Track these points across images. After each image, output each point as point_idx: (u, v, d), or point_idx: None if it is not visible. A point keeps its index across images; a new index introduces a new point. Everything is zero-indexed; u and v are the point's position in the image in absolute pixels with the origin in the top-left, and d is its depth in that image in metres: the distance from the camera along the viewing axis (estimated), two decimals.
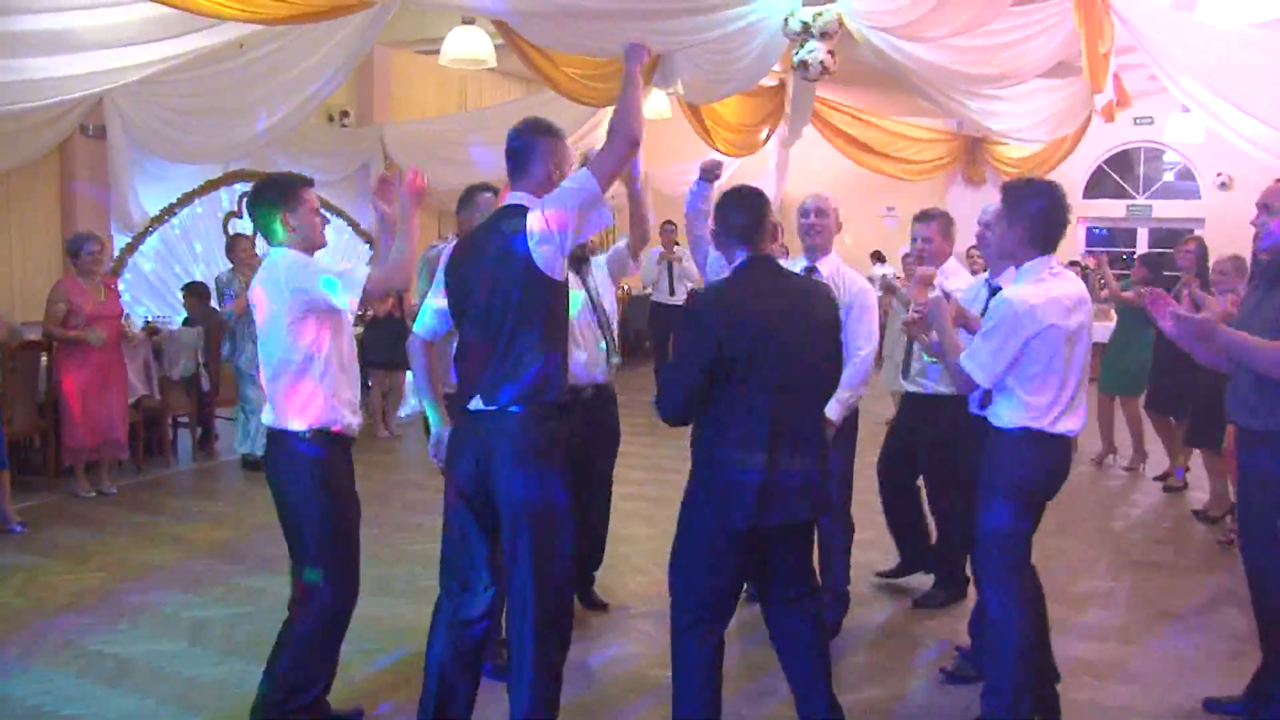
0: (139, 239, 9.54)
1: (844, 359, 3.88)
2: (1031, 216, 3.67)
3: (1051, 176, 11.59)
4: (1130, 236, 16.11)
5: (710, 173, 4.65)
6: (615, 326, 5.05)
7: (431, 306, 3.64)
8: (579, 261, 4.97)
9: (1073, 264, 8.86)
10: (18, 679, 4.33)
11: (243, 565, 5.74)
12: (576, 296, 4.85)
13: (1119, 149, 15.47)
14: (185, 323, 8.80)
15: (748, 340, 3.32)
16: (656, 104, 12.21)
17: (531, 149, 3.44)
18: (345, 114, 11.81)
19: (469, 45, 9.13)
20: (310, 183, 3.83)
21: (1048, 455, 3.69)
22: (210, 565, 5.75)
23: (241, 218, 10.07)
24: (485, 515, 3.40)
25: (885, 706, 4.21)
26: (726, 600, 3.54)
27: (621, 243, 5.12)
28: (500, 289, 3.33)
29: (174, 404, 8.30)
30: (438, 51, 9.44)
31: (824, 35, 8.20)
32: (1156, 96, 11.89)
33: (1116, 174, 15.71)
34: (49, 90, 7.32)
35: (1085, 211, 15.51)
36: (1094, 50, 7.94)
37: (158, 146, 9.10)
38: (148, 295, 9.61)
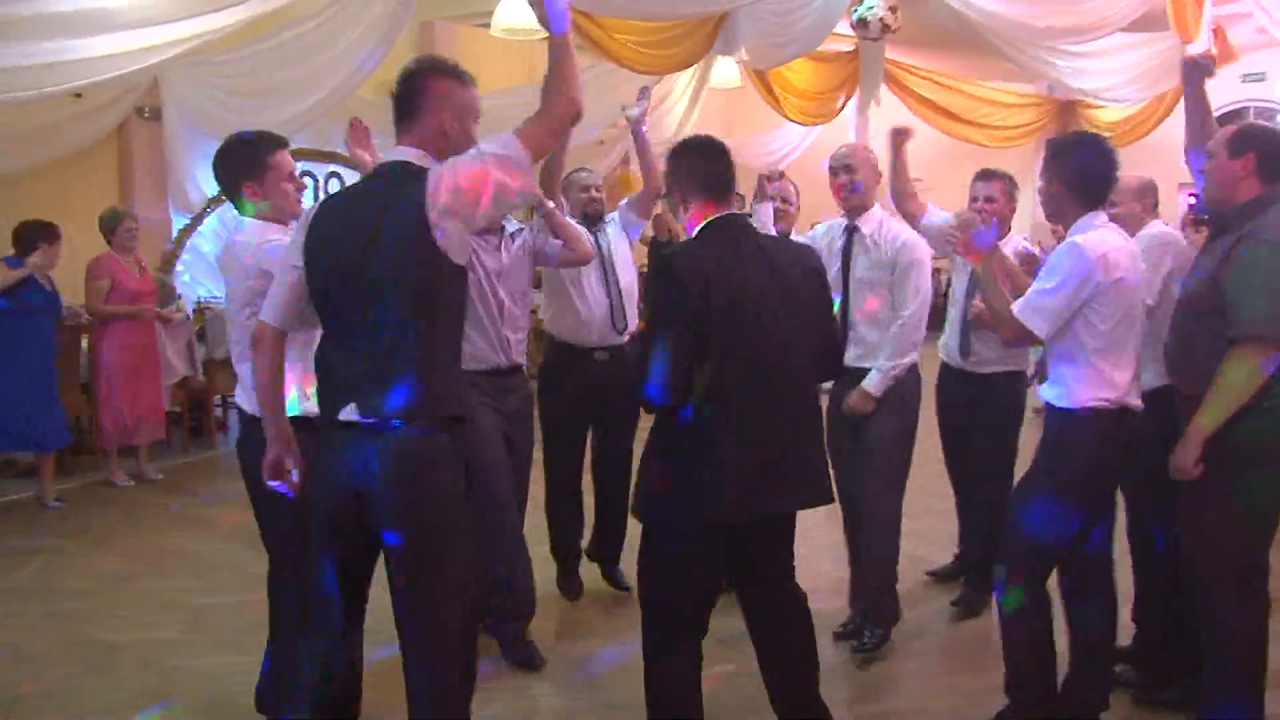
0: (197, 220, 9.53)
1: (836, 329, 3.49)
2: (1075, 171, 3.39)
3: (1150, 139, 10.95)
4: None
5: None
6: (635, 290, 4.79)
7: (286, 284, 2.87)
8: (592, 219, 4.71)
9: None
10: (5, 664, 4.24)
11: (256, 550, 5.57)
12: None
13: (1228, 108, 14.52)
14: None
15: (730, 307, 2.95)
16: (725, 72, 11.89)
17: (422, 92, 2.79)
18: None
19: (521, 15, 8.88)
20: (282, 143, 3.40)
21: (1118, 434, 3.33)
22: (225, 550, 5.63)
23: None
24: (354, 551, 2.79)
25: None
26: (704, 608, 3.18)
27: (624, 201, 4.87)
28: (384, 271, 2.65)
29: (220, 384, 8.23)
30: None
31: None
32: (1269, 50, 11.13)
33: None
34: (92, 69, 7.30)
35: (1189, 177, 14.61)
36: None
37: (213, 127, 9.06)
38: (207, 276, 9.58)
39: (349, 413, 2.69)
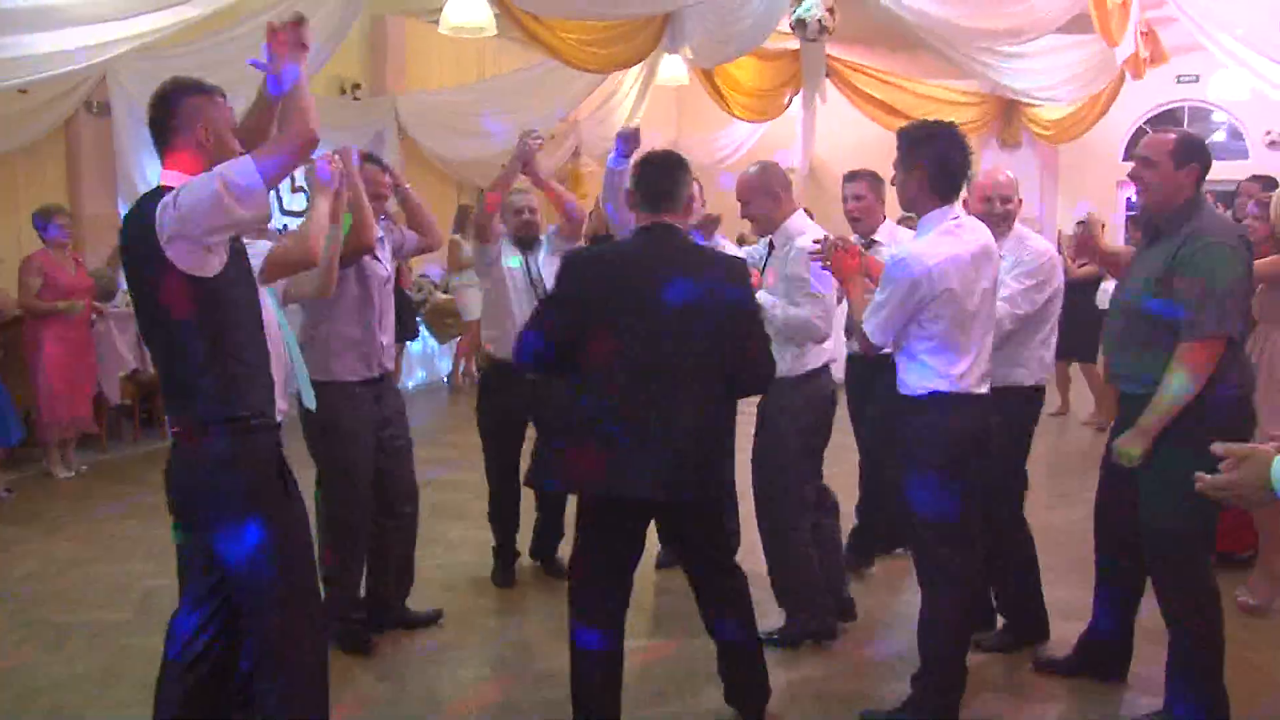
0: None
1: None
2: (928, 161, 3.47)
3: (1089, 137, 11.20)
4: None
5: (629, 143, 4.54)
6: None
7: None
8: (526, 243, 4.93)
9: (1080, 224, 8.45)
10: None
11: None
12: (517, 273, 4.84)
13: (1163, 108, 14.93)
14: None
15: (619, 299, 3.19)
16: (673, 69, 12.06)
17: (173, 112, 2.82)
18: (357, 86, 11.71)
19: (468, 13, 9.00)
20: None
21: (959, 418, 3.50)
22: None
23: None
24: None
25: None
26: (615, 580, 3.38)
27: (552, 228, 5.06)
28: (143, 290, 2.83)
29: None
30: None
31: None
32: (1200, 53, 11.40)
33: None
34: (41, 65, 7.32)
35: (1125, 174, 14.94)
36: (1101, 1, 7.60)
37: None
38: None
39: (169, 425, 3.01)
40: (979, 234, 3.54)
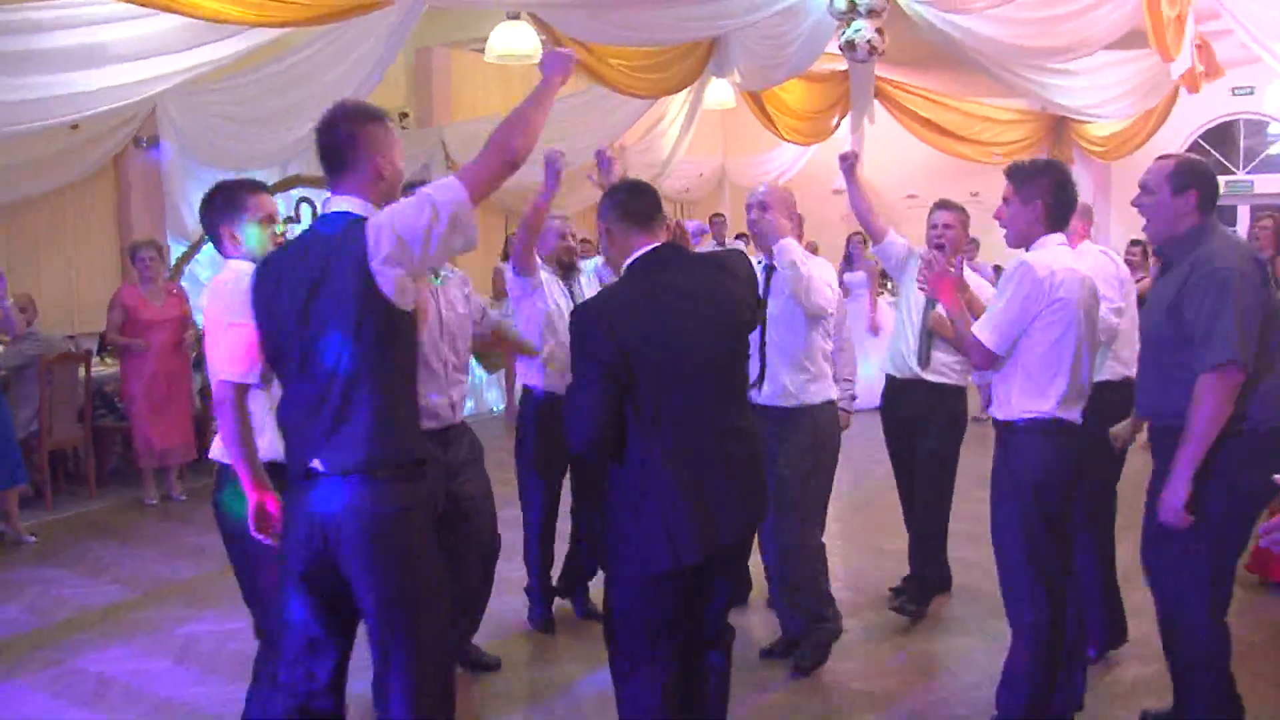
0: (195, 247, 9.61)
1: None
2: (1045, 195, 3.46)
3: (1143, 153, 10.99)
4: (1231, 215, 15.20)
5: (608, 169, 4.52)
6: None
7: (239, 341, 2.99)
8: (566, 268, 4.80)
9: (1134, 243, 8.39)
10: None
11: None
12: (558, 300, 4.69)
13: (1218, 121, 14.62)
14: None
15: (645, 349, 2.92)
16: (720, 93, 12.01)
17: (351, 140, 2.75)
18: (404, 115, 11.75)
19: (514, 41, 9.00)
20: (260, 187, 3.44)
21: (1056, 446, 3.41)
22: (216, 578, 5.61)
23: (299, 222, 10.12)
24: (333, 604, 2.76)
25: None
26: (674, 634, 3.11)
27: (599, 259, 4.89)
28: (331, 321, 2.64)
29: None
30: None
31: (871, 13, 7.86)
32: (1256, 65, 11.16)
33: (1216, 149, 14.84)
34: (92, 101, 7.38)
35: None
36: (1157, 14, 7.41)
37: (209, 156, 9.18)
38: None
39: (315, 465, 2.69)
40: (1096, 259, 3.66)
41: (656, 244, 3.12)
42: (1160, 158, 3.57)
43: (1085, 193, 5.88)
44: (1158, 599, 3.49)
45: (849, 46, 7.98)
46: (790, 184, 12.71)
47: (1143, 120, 12.64)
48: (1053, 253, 3.42)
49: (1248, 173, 14.78)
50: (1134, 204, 3.57)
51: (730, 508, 3.04)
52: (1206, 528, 3.28)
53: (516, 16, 8.93)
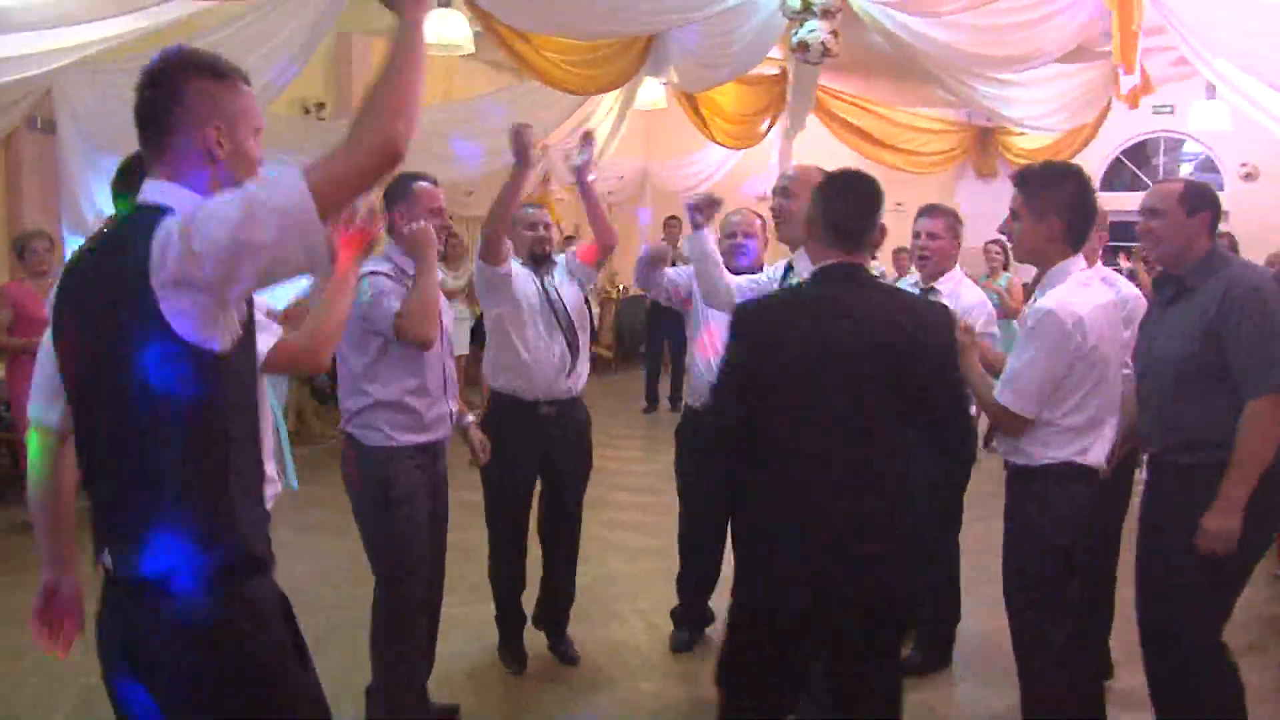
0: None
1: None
2: (1066, 207, 3.13)
3: None
4: None
5: (707, 211, 4.03)
6: (586, 333, 4.39)
7: (44, 372, 2.27)
8: (540, 260, 4.34)
9: (993, 241, 8.67)
10: None
11: None
12: (532, 296, 4.24)
13: (1137, 139, 14.80)
14: None
15: (791, 363, 2.59)
16: (651, 94, 11.65)
17: (173, 98, 1.94)
18: (321, 106, 11.17)
19: (445, 30, 8.45)
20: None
21: (1087, 495, 3.14)
22: None
23: None
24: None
25: None
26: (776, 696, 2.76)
27: (572, 248, 4.48)
28: (114, 361, 1.85)
29: None
30: None
31: (825, 14, 7.58)
32: (1178, 84, 11.36)
33: (1134, 165, 15.02)
34: None
35: (1101, 205, 14.77)
36: (1126, 27, 7.29)
37: (111, 142, 8.49)
38: None
39: (104, 560, 1.95)
40: (1115, 285, 3.36)
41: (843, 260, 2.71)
42: (1161, 181, 3.44)
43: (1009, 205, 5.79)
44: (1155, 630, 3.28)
45: (802, 47, 7.69)
46: (715, 188, 12.44)
47: (1073, 134, 12.68)
48: (1077, 292, 3.08)
49: None
50: (1139, 229, 3.35)
51: (825, 572, 2.61)
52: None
53: (448, 4, 8.44)
